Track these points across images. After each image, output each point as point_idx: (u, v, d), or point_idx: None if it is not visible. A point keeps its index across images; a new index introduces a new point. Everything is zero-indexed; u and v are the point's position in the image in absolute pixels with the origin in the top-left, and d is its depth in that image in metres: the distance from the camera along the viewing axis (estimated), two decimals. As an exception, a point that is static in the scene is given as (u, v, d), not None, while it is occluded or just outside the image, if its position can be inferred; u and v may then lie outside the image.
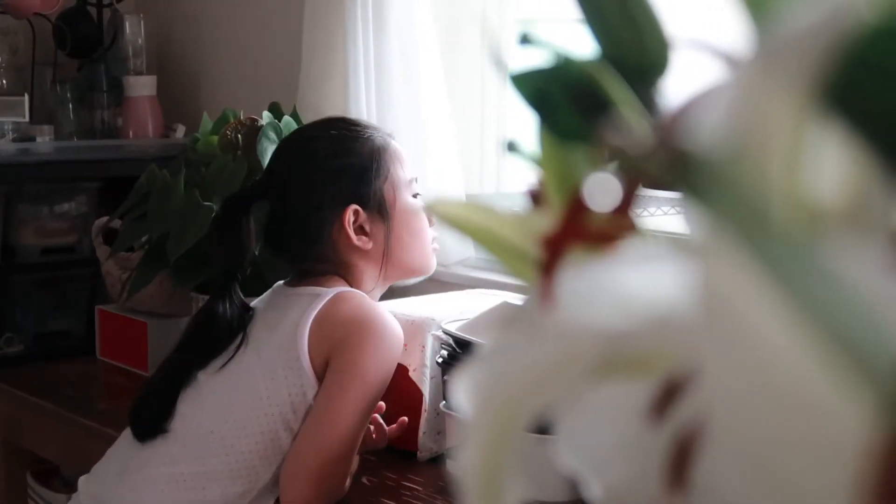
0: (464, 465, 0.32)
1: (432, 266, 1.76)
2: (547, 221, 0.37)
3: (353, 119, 1.80)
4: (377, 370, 1.59)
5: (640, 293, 0.33)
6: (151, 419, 1.63)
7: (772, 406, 0.22)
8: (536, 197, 0.39)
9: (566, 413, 0.34)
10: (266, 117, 2.15)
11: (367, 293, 1.68)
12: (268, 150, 2.04)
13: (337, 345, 1.58)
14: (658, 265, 0.34)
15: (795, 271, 0.22)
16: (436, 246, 1.77)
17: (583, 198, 0.34)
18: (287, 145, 1.76)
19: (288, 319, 1.62)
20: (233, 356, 1.63)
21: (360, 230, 1.68)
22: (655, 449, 0.29)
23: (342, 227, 1.67)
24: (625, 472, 0.31)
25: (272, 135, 2.08)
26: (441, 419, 1.82)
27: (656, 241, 0.36)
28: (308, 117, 2.26)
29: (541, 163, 0.40)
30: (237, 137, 2.15)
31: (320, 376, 1.60)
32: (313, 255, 1.68)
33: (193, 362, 1.64)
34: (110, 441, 1.73)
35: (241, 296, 1.68)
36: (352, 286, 1.68)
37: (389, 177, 1.70)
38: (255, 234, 1.70)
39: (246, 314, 1.66)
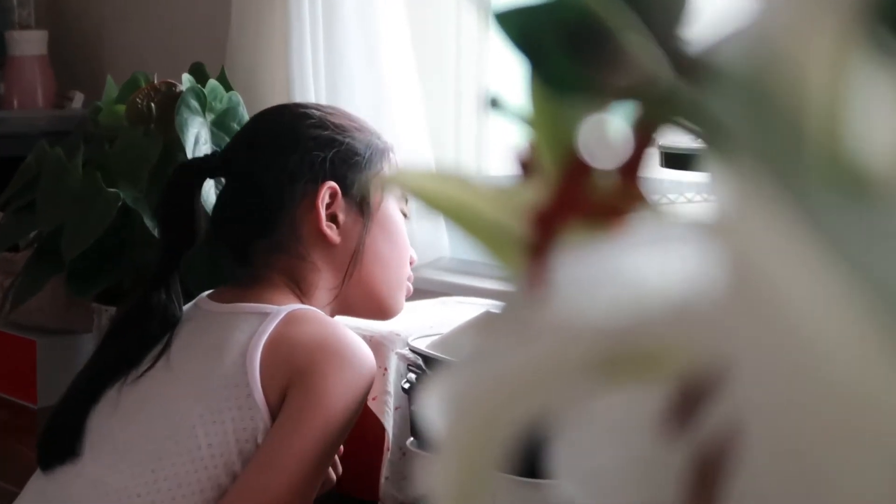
0: (436, 491, 0.32)
1: (399, 306, 1.78)
2: (538, 192, 0.38)
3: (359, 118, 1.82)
4: (344, 405, 1.59)
5: (651, 280, 0.33)
6: (65, 441, 1.63)
7: (821, 402, 0.22)
8: (525, 163, 0.40)
9: (562, 429, 0.35)
10: (186, 81, 2.15)
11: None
12: (188, 122, 2.05)
13: (296, 374, 1.58)
14: (674, 247, 0.34)
15: (847, 233, 0.22)
16: (410, 285, 1.79)
17: (582, 160, 0.34)
18: (268, 111, 1.79)
19: (231, 346, 1.61)
20: (146, 371, 1.63)
21: (331, 218, 1.70)
22: (674, 466, 0.29)
23: (313, 205, 1.69)
24: (636, 497, 0.31)
25: (194, 103, 2.08)
26: (408, 461, 1.83)
27: (672, 218, 0.37)
28: (240, 80, 2.26)
29: (530, 121, 0.40)
30: (150, 107, 2.15)
31: (275, 415, 1.59)
32: (266, 244, 1.69)
33: (117, 370, 1.65)
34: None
35: (179, 291, 1.69)
36: (302, 296, 1.69)
37: (381, 174, 1.72)
38: (203, 215, 1.72)
39: (178, 318, 1.67)
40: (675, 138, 1.46)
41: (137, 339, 1.67)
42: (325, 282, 1.72)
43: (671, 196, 1.57)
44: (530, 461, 0.37)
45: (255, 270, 1.71)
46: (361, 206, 1.71)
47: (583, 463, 0.34)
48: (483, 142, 2.46)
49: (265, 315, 1.62)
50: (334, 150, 1.70)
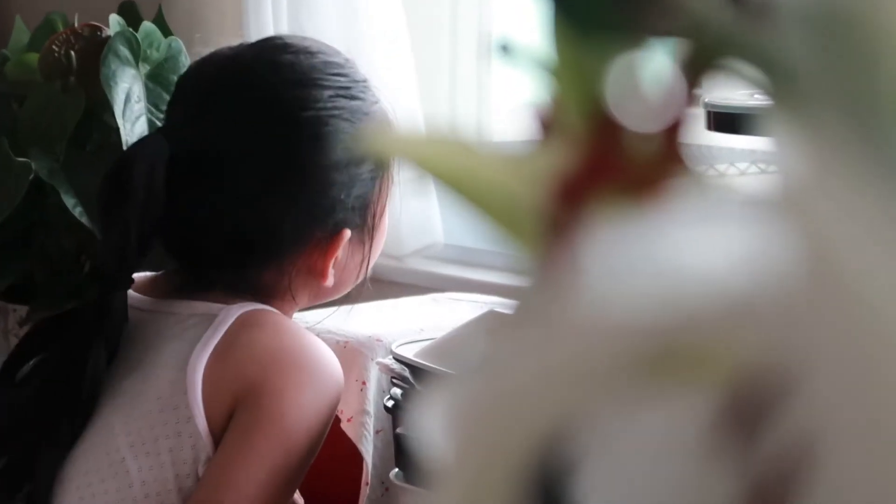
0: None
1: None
2: (560, 156, 0.38)
3: (347, 66, 1.76)
4: (304, 430, 1.59)
5: (699, 266, 0.34)
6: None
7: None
8: (545, 122, 0.40)
9: (591, 452, 0.35)
10: (115, 24, 2.15)
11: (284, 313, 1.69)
12: (118, 74, 2.04)
13: (246, 391, 1.58)
14: (727, 225, 0.35)
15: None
16: None
17: (616, 115, 0.34)
18: (270, 112, 1.70)
19: (168, 357, 1.60)
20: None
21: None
22: (726, 493, 0.30)
23: (320, 254, 1.67)
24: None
25: (124, 51, 2.08)
26: (392, 496, 1.83)
27: (723, 191, 0.37)
28: (181, 23, 2.26)
29: (552, 70, 0.40)
30: (69, 56, 2.15)
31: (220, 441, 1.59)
32: (240, 271, 1.68)
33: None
34: None
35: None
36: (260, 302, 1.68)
37: (385, 176, 1.71)
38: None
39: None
40: (726, 95, 1.46)
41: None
42: (296, 306, 1.72)
43: (720, 166, 1.57)
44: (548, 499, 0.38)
45: (208, 274, 1.69)
46: (363, 231, 1.70)
47: (615, 492, 0.34)
48: (485, 96, 2.46)
49: (211, 318, 1.62)
50: (358, 188, 1.68)
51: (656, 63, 0.35)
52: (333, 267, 1.68)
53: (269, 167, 1.65)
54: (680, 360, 0.31)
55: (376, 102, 1.72)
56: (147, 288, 1.70)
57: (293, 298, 1.69)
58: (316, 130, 1.65)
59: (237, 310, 1.62)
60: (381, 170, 1.68)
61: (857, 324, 0.24)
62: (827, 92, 0.24)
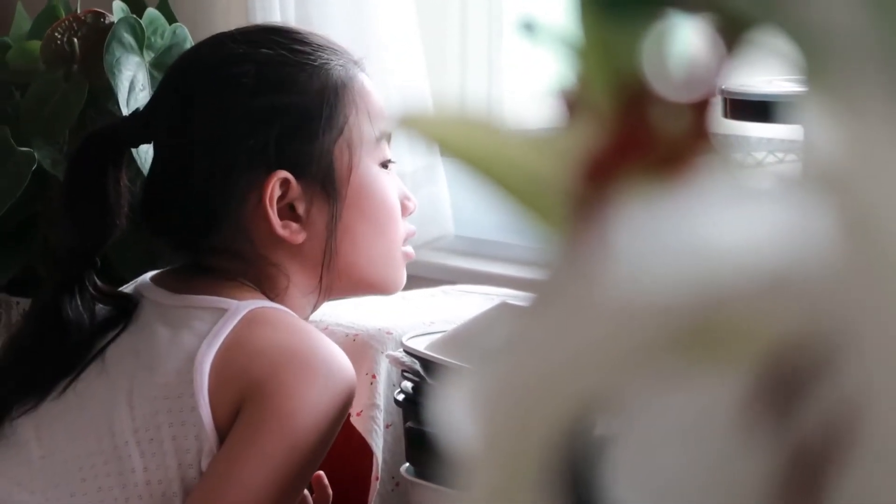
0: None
1: (400, 281, 1.76)
2: (587, 136, 0.38)
3: (300, 32, 1.78)
4: (314, 429, 1.59)
5: (734, 244, 0.34)
6: None
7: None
8: (570, 100, 0.40)
9: (623, 431, 0.36)
10: (118, 11, 2.15)
11: (294, 310, 1.68)
12: (122, 62, 2.05)
13: (254, 388, 1.58)
14: (761, 203, 0.35)
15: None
16: (409, 250, 1.76)
17: (644, 91, 0.35)
18: (189, 64, 1.76)
19: (175, 347, 1.61)
20: (66, 389, 1.63)
21: (288, 212, 1.67)
22: (762, 469, 0.30)
23: (260, 203, 1.66)
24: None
25: (128, 38, 2.08)
26: (403, 492, 1.83)
27: (752, 170, 0.37)
28: (186, 9, 2.26)
29: (578, 47, 0.41)
30: (72, 43, 2.15)
31: (224, 437, 1.60)
32: (210, 246, 1.68)
33: (23, 394, 1.65)
34: None
35: (99, 294, 1.67)
36: (269, 295, 1.68)
37: (346, 130, 1.69)
38: (125, 197, 1.69)
39: (101, 324, 1.66)
40: (743, 82, 1.45)
41: (47, 362, 1.66)
42: (297, 284, 1.70)
43: (738, 155, 1.57)
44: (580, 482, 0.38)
45: (206, 262, 1.70)
46: (326, 186, 1.69)
47: (648, 471, 0.34)
48: (496, 78, 2.45)
49: (221, 312, 1.62)
50: (278, 128, 1.67)
51: (685, 37, 0.35)
52: (295, 220, 1.67)
53: (180, 129, 1.69)
54: (714, 338, 0.32)
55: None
56: (165, 282, 1.71)
57: (284, 273, 1.69)
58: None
59: (246, 305, 1.63)
60: (331, 122, 1.68)
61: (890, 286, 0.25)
62: (870, 59, 0.24)
